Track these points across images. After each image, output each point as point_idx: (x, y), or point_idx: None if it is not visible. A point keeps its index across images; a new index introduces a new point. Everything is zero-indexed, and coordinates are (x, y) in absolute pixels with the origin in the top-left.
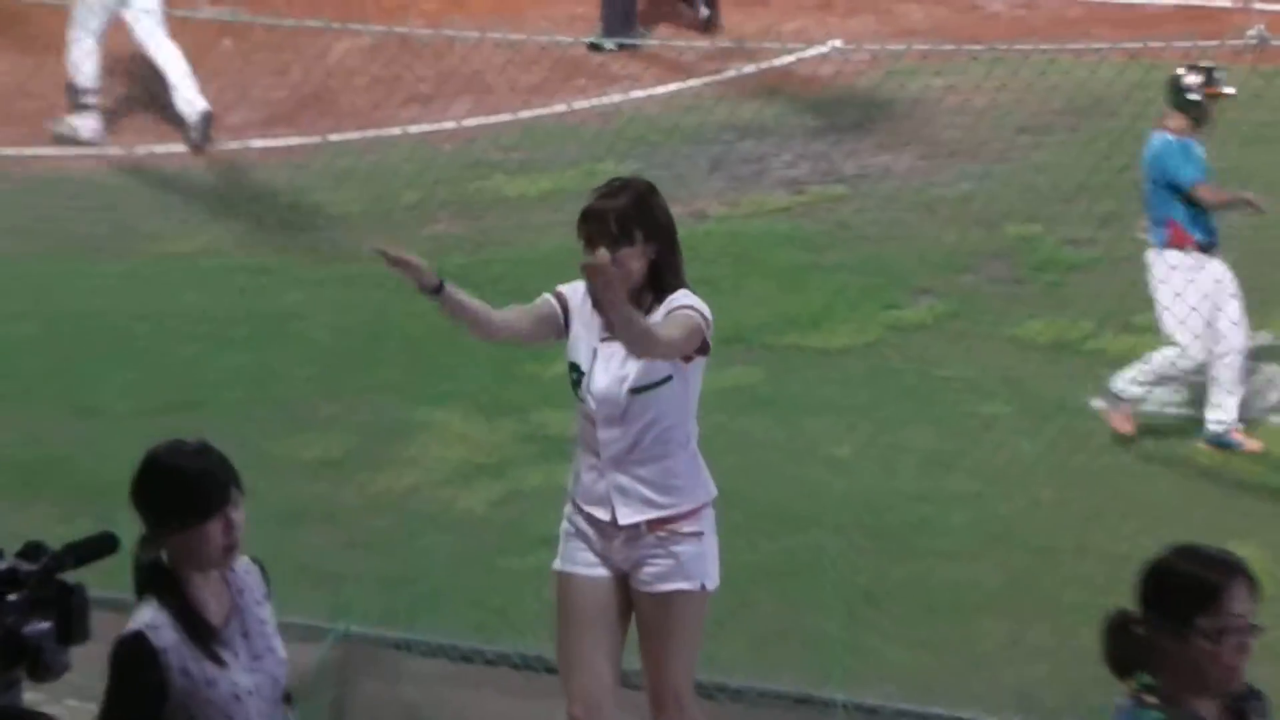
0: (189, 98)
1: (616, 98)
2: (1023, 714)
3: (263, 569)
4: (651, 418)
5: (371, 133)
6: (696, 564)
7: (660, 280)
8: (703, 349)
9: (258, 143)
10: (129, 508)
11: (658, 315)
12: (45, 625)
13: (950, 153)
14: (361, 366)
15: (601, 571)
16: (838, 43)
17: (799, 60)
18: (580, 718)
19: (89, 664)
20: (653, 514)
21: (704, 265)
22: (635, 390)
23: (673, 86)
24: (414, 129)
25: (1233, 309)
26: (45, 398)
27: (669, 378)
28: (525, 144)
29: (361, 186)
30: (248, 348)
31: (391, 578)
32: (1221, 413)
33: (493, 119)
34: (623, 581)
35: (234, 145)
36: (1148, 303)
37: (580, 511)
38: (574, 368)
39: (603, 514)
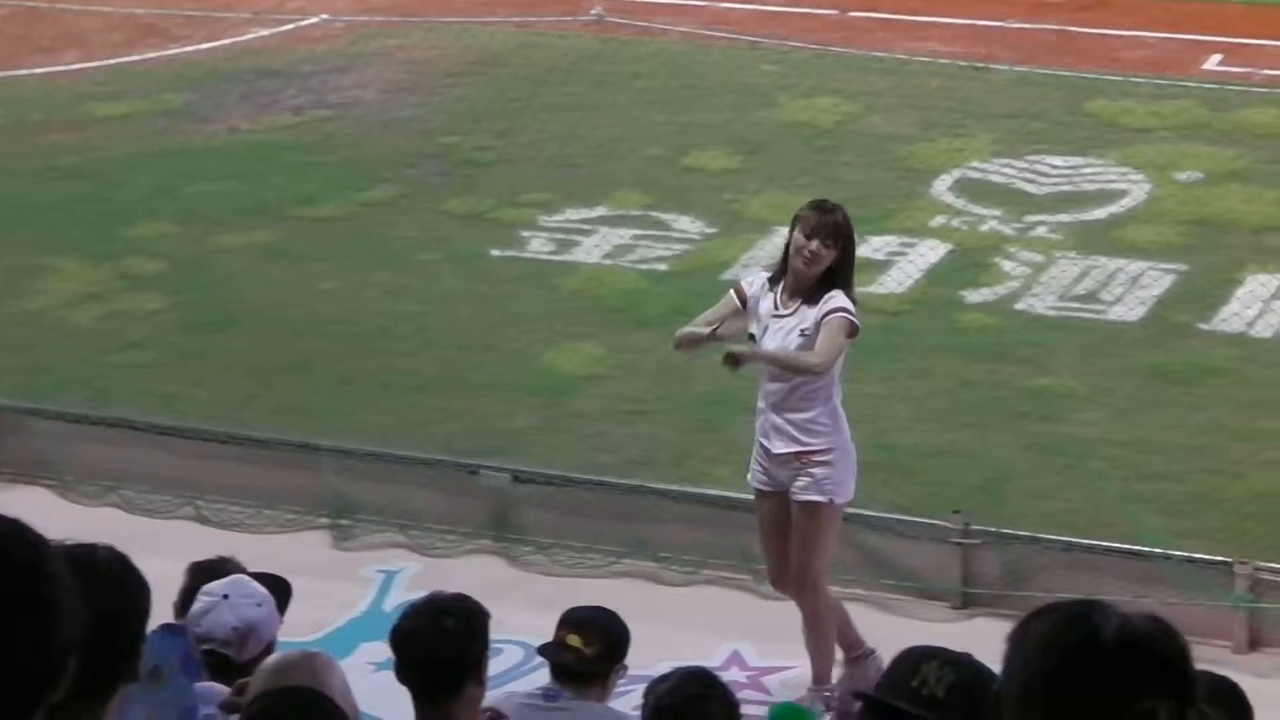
0: None
1: (174, 50)
2: (450, 455)
3: None
4: (800, 380)
5: (9, 73)
6: (827, 484)
7: (832, 278)
8: (852, 333)
9: None
10: None
11: (813, 309)
12: None
13: (401, 88)
14: (8, 230)
15: (769, 487)
16: (326, 15)
17: (298, 26)
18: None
19: None
20: (796, 448)
21: (236, 163)
22: None
23: (214, 44)
24: (39, 70)
25: None
26: None
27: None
28: (113, 81)
29: (5, 110)
30: None
31: (28, 367)
32: None
33: (92, 64)
34: (785, 494)
35: None
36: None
37: (757, 441)
38: (750, 337)
39: (767, 445)
